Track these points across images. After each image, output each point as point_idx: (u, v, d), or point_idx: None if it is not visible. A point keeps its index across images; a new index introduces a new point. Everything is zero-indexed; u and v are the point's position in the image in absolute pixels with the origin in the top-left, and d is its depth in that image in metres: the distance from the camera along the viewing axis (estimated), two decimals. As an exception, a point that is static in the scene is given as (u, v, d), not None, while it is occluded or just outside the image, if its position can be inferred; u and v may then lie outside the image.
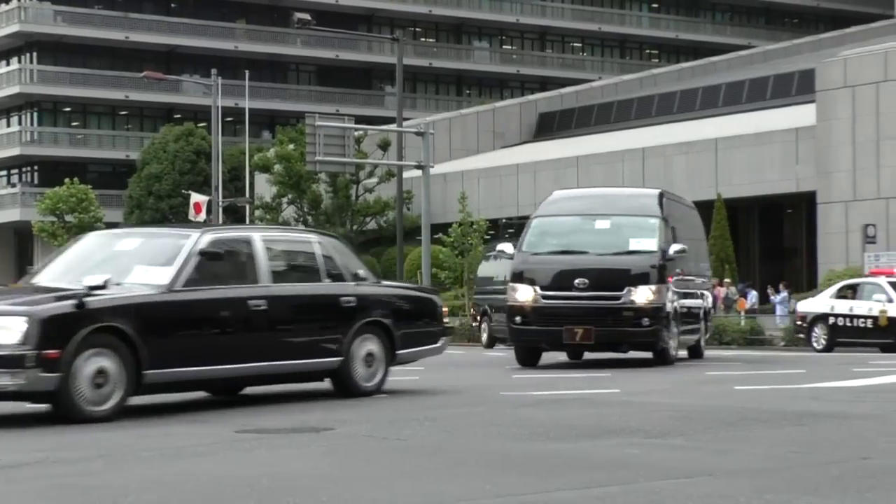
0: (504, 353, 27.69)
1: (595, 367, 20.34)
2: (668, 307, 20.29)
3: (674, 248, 20.58)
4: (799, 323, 33.15)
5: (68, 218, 68.19)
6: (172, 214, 71.64)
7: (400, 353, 14.40)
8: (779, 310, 43.34)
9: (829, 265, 46.53)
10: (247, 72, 71.91)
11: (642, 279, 20.00)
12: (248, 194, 64.96)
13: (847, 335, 31.28)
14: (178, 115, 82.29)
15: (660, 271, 20.17)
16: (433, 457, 8.73)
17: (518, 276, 20.95)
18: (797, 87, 58.38)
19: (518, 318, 20.71)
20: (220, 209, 55.49)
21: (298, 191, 59.73)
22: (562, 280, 20.32)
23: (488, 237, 51.14)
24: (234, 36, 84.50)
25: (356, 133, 48.48)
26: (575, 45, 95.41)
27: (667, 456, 8.56)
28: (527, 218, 23.28)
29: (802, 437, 9.54)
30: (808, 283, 49.58)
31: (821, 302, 32.58)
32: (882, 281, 31.30)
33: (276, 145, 62.63)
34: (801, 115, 51.58)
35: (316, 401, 13.39)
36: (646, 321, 19.89)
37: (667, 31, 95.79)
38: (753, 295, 44.25)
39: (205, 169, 68.92)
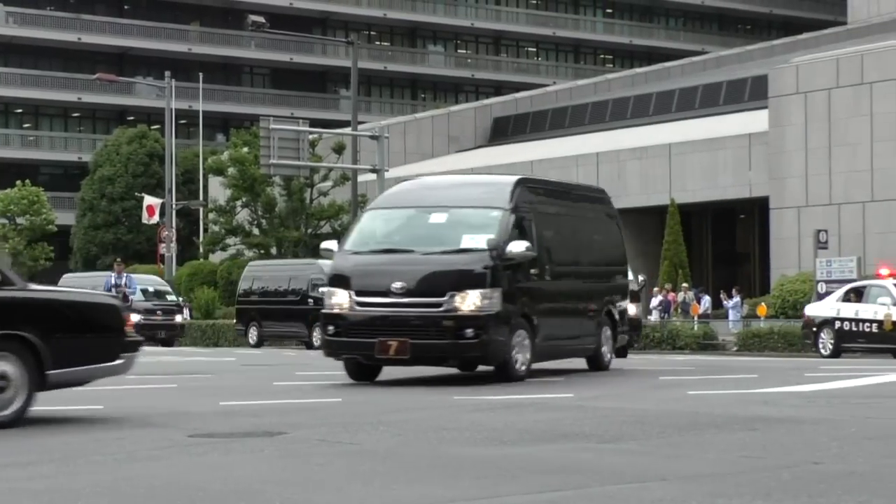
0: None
1: (548, 374, 20.37)
2: (509, 314, 16.69)
3: (515, 246, 16.75)
4: (806, 328, 31.87)
5: (20, 220, 67.72)
6: (125, 217, 71.29)
7: (52, 374, 11.54)
8: (731, 315, 43.56)
9: (781, 270, 46.83)
10: (200, 74, 71.70)
11: (470, 282, 16.47)
12: (201, 197, 64.70)
13: (853, 340, 30.19)
14: (132, 118, 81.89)
15: (494, 273, 16.56)
16: (387, 461, 8.71)
17: (334, 279, 17.54)
18: (750, 93, 58.72)
19: (331, 328, 17.21)
20: (174, 212, 55.23)
21: (252, 194, 59.47)
22: (378, 283, 16.75)
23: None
24: (188, 38, 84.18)
25: (311, 136, 48.37)
26: (529, 49, 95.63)
27: (620, 460, 8.58)
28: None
29: (755, 441, 9.58)
30: (760, 289, 49.90)
31: (827, 306, 31.29)
32: (888, 283, 30.20)
33: (230, 148, 62.36)
34: (753, 121, 51.87)
35: (269, 404, 13.34)
36: (470, 332, 16.32)
37: (621, 36, 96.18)
38: (707, 300, 44.46)
39: (158, 172, 68.59)
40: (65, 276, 50.36)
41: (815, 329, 31.07)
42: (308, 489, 7.47)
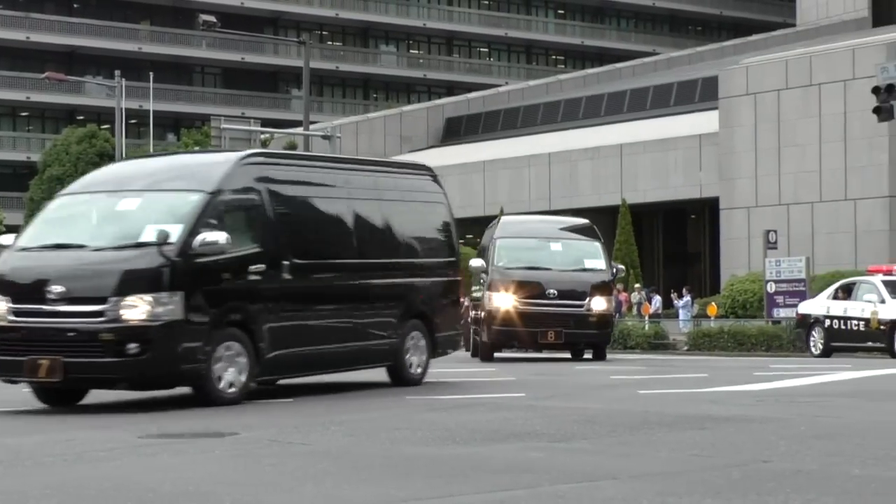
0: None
1: (497, 374, 20.40)
2: (201, 323, 13.28)
3: (203, 237, 13.28)
4: (799, 327, 31.12)
5: (-32, 219, 67.15)
6: (75, 217, 70.82)
7: None
8: (682, 314, 43.78)
9: (731, 270, 47.10)
10: (151, 73, 71.29)
11: (137, 286, 13.00)
12: (152, 197, 64.33)
13: (842, 339, 29.21)
14: (81, 117, 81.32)
15: (174, 272, 13.08)
16: (338, 461, 8.70)
17: None
18: (700, 93, 59.03)
19: None
20: (124, 212, 54.80)
21: (203, 194, 59.35)
22: (35, 288, 13.38)
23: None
24: (138, 37, 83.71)
25: (262, 136, 48.26)
26: (482, 50, 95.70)
27: (571, 459, 8.60)
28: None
29: (704, 440, 9.63)
30: (710, 288, 50.17)
31: (818, 304, 30.32)
32: (876, 280, 29.20)
33: (181, 148, 62.15)
34: (704, 122, 52.15)
35: (223, 406, 13.29)
36: (133, 347, 12.83)
37: (572, 37, 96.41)
38: (657, 300, 44.66)
39: (108, 171, 68.07)
40: None
41: (806, 328, 30.34)
42: (259, 490, 7.45)
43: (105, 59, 79.82)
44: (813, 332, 29.92)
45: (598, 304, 25.58)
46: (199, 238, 13.25)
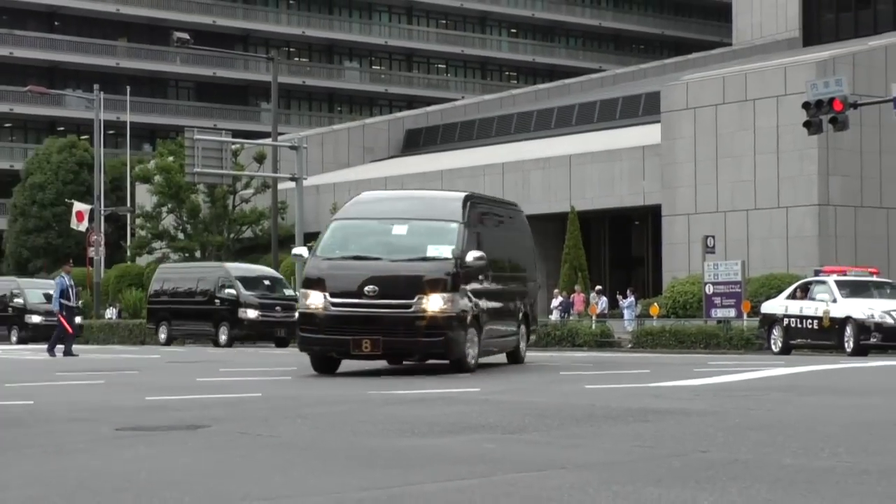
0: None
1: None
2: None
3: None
4: (761, 326, 30.90)
5: (-47, 225, 66.61)
6: (56, 222, 70.42)
7: None
8: (626, 314, 43.88)
9: (672, 273, 47.29)
10: (128, 87, 70.99)
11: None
12: (129, 204, 64.07)
13: (799, 336, 29.06)
14: (62, 128, 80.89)
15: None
16: (304, 453, 8.68)
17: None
18: (644, 108, 59.25)
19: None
20: (102, 218, 54.63)
21: (178, 201, 59.07)
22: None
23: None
24: (116, 53, 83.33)
25: (233, 146, 48.12)
26: (440, 66, 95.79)
27: (522, 450, 8.61)
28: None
29: (647, 432, 9.65)
30: (653, 290, 50.35)
31: (777, 303, 30.24)
32: (830, 280, 29.05)
33: (157, 157, 61.90)
34: (647, 134, 52.33)
35: (193, 399, 13.24)
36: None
37: (525, 54, 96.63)
38: (604, 300, 44.75)
39: (87, 179, 67.82)
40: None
41: (766, 327, 30.20)
42: (229, 480, 7.43)
43: (84, 74, 79.41)
44: (773, 331, 29.72)
45: (433, 303, 17.85)
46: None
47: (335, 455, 8.53)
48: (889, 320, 26.98)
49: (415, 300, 17.57)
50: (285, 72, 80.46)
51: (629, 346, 35.80)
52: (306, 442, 9.33)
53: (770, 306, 30.52)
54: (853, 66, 45.90)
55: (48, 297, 41.56)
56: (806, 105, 33.57)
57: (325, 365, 18.71)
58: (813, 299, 28.70)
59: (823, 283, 29.07)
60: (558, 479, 7.13)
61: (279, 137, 51.60)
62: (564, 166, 54.19)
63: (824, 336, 28.18)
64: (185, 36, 45.49)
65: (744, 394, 13.54)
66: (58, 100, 77.96)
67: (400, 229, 18.45)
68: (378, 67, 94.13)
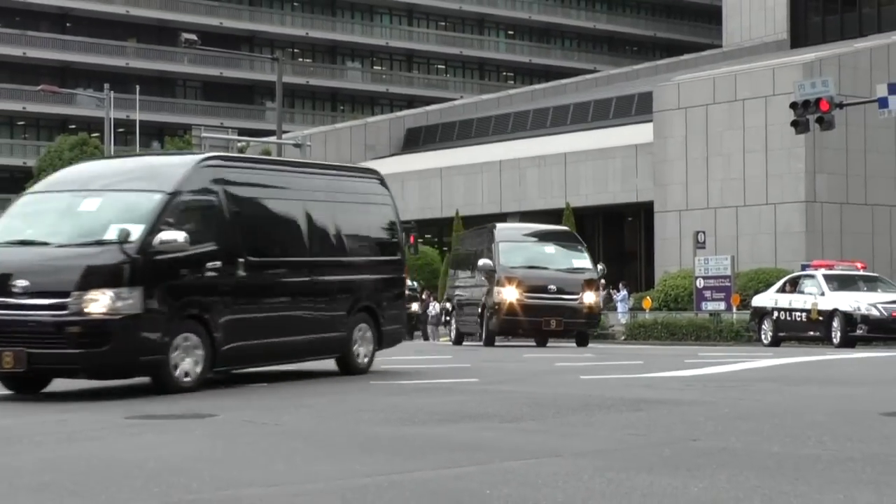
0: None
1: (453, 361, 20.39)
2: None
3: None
4: (752, 319, 30.80)
5: (-32, 220, 66.68)
6: (67, 217, 70.43)
7: None
8: (620, 307, 43.89)
9: (664, 267, 47.31)
10: (137, 86, 70.86)
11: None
12: (138, 199, 63.99)
13: (788, 329, 28.91)
14: (73, 126, 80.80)
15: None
16: (308, 440, 8.69)
17: None
18: (637, 107, 59.23)
19: None
20: (112, 213, 54.55)
21: (185, 197, 59.01)
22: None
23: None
24: (126, 53, 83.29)
25: (239, 144, 48.09)
26: (439, 66, 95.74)
27: (519, 439, 8.62)
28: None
29: (639, 421, 9.66)
30: (645, 284, 50.35)
31: (768, 296, 30.14)
32: (818, 273, 28.88)
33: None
34: (640, 133, 52.33)
35: (202, 390, 13.24)
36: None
37: (521, 55, 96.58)
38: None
39: (98, 176, 67.70)
40: None
41: (757, 320, 30.04)
42: (235, 466, 7.43)
43: (95, 74, 79.34)
44: (763, 323, 29.57)
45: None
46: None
47: (337, 443, 8.53)
48: (875, 312, 26.96)
49: (71, 298, 12.43)
50: (289, 72, 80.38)
51: (623, 338, 35.81)
52: (309, 430, 9.33)
53: (760, 300, 30.40)
54: (839, 68, 45.90)
55: None
56: (793, 105, 33.58)
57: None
58: (802, 293, 28.59)
59: (812, 276, 28.96)
60: (554, 467, 7.14)
61: (284, 135, 51.60)
62: (560, 164, 54.18)
63: (813, 328, 28.06)
64: (193, 37, 45.46)
65: (733, 384, 13.54)
66: (69, 99, 77.88)
67: (91, 203, 13.58)
68: (379, 68, 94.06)
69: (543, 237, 30.03)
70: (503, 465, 7.24)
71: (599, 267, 28.87)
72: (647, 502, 5.97)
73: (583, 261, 28.25)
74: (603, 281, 39.91)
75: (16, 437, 9.09)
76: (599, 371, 16.42)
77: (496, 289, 27.32)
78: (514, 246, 28.38)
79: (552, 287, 27.16)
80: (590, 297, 27.37)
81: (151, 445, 8.50)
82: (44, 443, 8.72)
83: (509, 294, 27.11)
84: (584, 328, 27.85)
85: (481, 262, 27.92)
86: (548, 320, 26.87)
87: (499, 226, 30.08)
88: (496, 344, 28.44)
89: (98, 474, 7.13)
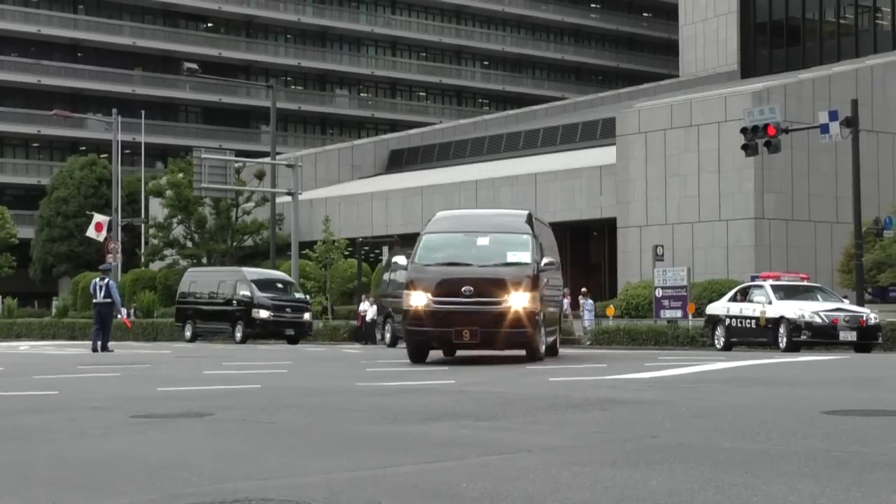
0: (360, 350, 27.45)
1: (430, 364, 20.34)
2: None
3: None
4: (706, 326, 30.66)
5: (-14, 235, 66.37)
6: (78, 232, 70.21)
7: None
8: (587, 314, 43.94)
9: (626, 278, 47.41)
10: (143, 111, 70.84)
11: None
12: (143, 215, 63.86)
13: (739, 335, 28.85)
14: (83, 148, 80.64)
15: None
16: (299, 437, 8.67)
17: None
18: (601, 132, 59.44)
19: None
20: (119, 228, 54.46)
21: (187, 213, 58.91)
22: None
23: (347, 253, 51.05)
24: (132, 81, 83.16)
25: (236, 165, 48.03)
26: (420, 94, 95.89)
27: (493, 436, 8.61)
28: (383, 237, 23.01)
29: (604, 419, 9.66)
30: (609, 293, 50.45)
31: (720, 305, 30.06)
32: (766, 284, 28.96)
33: (168, 174, 61.71)
34: (604, 155, 52.48)
35: (200, 390, 13.20)
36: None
37: (496, 84, 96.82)
38: (566, 302, 44.72)
39: (106, 194, 67.59)
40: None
41: (710, 326, 29.99)
42: (233, 461, 7.41)
43: (104, 99, 79.20)
44: (717, 330, 29.55)
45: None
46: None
47: (326, 440, 8.51)
48: (817, 319, 27.05)
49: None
50: (283, 98, 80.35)
51: (588, 343, 35.81)
52: (301, 428, 9.31)
53: (714, 308, 30.44)
54: (785, 96, 46.12)
55: (271, 289, 39.87)
56: (744, 130, 33.74)
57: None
58: (751, 301, 28.61)
59: (760, 287, 29.00)
60: (525, 461, 7.14)
61: (277, 157, 51.59)
62: (531, 183, 54.27)
63: (761, 334, 28.10)
64: (194, 66, 45.47)
65: (689, 385, 13.56)
66: (80, 123, 77.72)
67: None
68: (365, 95, 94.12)
69: (481, 225, 20.50)
70: (478, 460, 7.24)
71: (547, 260, 19.98)
72: (610, 493, 5.98)
73: (521, 253, 19.67)
74: (566, 289, 39.46)
75: (29, 435, 9.05)
76: (567, 373, 16.42)
77: (405, 292, 19.56)
78: (439, 238, 20.03)
79: (467, 289, 18.96)
80: (519, 300, 18.95)
81: (154, 442, 8.47)
82: (55, 440, 8.68)
83: (417, 299, 19.12)
84: (511, 339, 19.32)
85: (395, 258, 24.44)
86: (459, 331, 19.00)
87: (438, 214, 21.67)
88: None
89: (105, 469, 7.10)
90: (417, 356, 19.70)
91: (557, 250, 23.66)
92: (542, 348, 19.69)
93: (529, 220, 20.43)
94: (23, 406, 11.81)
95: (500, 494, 5.99)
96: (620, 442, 8.07)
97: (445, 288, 19.02)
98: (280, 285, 40.89)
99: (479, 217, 21.56)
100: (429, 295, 19.01)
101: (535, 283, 18.91)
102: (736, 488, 6.07)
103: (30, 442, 8.60)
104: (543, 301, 19.59)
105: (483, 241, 19.41)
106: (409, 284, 19.29)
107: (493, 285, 18.80)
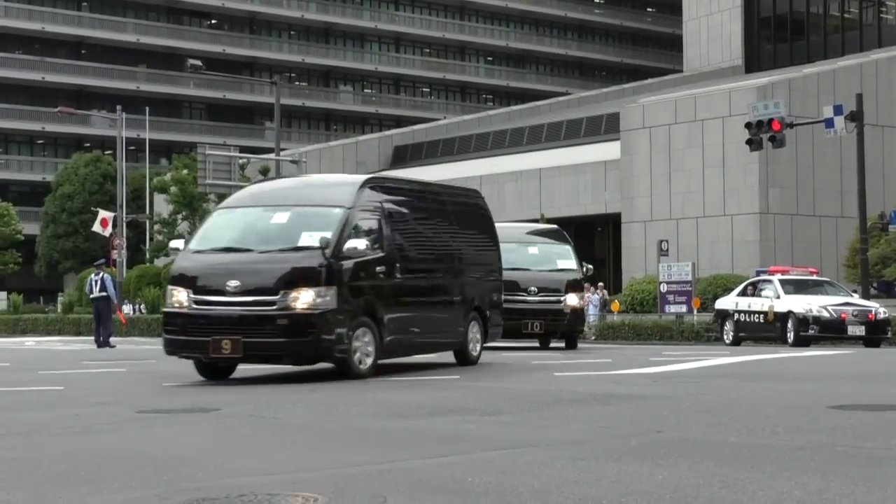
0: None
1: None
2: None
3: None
4: (715, 321, 30.37)
5: (-7, 230, 66.47)
6: (83, 228, 70.27)
7: None
8: (591, 309, 43.91)
9: (631, 273, 47.39)
10: (147, 108, 70.83)
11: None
12: (148, 211, 63.90)
13: (747, 330, 28.57)
14: (88, 144, 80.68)
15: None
16: (303, 432, 8.67)
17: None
18: (605, 127, 59.39)
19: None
20: (124, 224, 54.47)
21: (191, 209, 58.90)
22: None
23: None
24: (137, 78, 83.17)
25: (240, 161, 48.04)
26: (424, 90, 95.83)
27: (498, 431, 8.60)
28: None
29: (609, 414, 9.65)
30: (613, 288, 50.44)
31: (729, 299, 29.74)
32: (774, 278, 28.67)
33: (173, 170, 61.69)
34: (608, 151, 52.43)
35: (205, 385, 13.21)
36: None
37: (500, 79, 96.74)
38: (596, 297, 44.65)
39: (111, 190, 67.66)
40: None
41: (719, 321, 29.74)
42: (237, 456, 7.41)
43: (108, 96, 79.23)
44: (726, 325, 29.34)
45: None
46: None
47: (330, 435, 8.51)
48: (825, 314, 26.97)
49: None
50: (287, 95, 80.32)
51: (593, 338, 35.81)
52: (305, 423, 9.31)
53: (723, 302, 30.23)
54: (789, 91, 46.05)
55: None
56: (748, 125, 33.70)
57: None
58: (760, 296, 28.42)
59: (769, 281, 28.81)
60: (530, 456, 7.13)
61: (281, 153, 51.53)
62: (535, 179, 54.25)
63: (769, 329, 27.89)
64: (198, 63, 45.42)
65: (694, 380, 13.55)
66: (84, 119, 77.75)
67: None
68: (369, 91, 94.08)
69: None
70: (484, 454, 7.23)
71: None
72: (615, 488, 5.97)
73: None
74: (600, 283, 38.90)
75: (36, 430, 9.05)
76: (572, 368, 16.41)
77: (168, 288, 14.26)
78: (231, 214, 15.12)
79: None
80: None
81: (160, 437, 8.48)
82: (61, 435, 8.69)
83: (177, 297, 14.39)
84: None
85: (171, 243, 16.88)
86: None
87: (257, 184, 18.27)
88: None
89: (111, 464, 7.11)
90: (203, 371, 14.48)
91: (489, 231, 18.27)
92: (360, 361, 14.04)
93: (364, 186, 14.91)
94: (29, 401, 11.82)
95: (505, 489, 5.98)
96: (625, 437, 8.06)
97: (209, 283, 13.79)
98: None
99: (292, 188, 15.92)
100: (190, 292, 13.80)
101: (330, 274, 13.49)
102: (741, 483, 6.06)
103: (36, 437, 8.61)
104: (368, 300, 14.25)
105: (280, 217, 14.30)
106: (172, 278, 14.30)
107: (270, 277, 13.46)
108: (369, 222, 14.59)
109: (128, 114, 58.22)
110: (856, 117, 33.29)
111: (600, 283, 44.92)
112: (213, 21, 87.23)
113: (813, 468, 6.51)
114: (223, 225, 14.72)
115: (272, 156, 50.19)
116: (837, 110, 33.57)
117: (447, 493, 5.92)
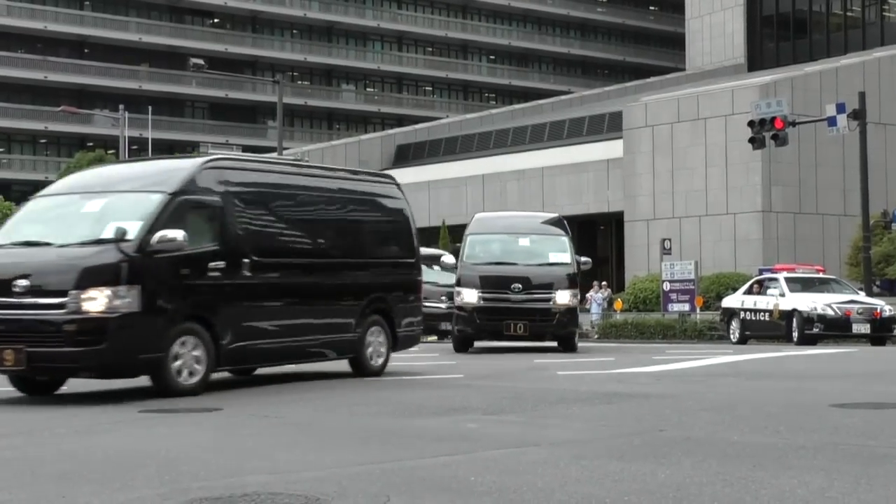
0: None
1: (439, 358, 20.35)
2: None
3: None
4: (721, 319, 30.23)
5: (-6, 230, 66.60)
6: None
7: None
8: (594, 307, 43.90)
9: (633, 272, 47.35)
10: (150, 107, 70.82)
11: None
12: (150, 211, 63.88)
13: (754, 328, 28.39)
14: (91, 144, 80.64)
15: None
16: (306, 432, 8.67)
17: None
18: (608, 125, 59.32)
19: None
20: (127, 223, 54.44)
21: (194, 208, 58.96)
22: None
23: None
24: (139, 77, 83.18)
25: (243, 160, 47.99)
26: (427, 88, 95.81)
27: (501, 430, 8.60)
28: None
29: (611, 413, 9.65)
30: (616, 287, 50.40)
31: (736, 298, 29.57)
32: (780, 277, 28.46)
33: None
34: (611, 149, 52.39)
35: (208, 386, 13.20)
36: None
37: (502, 78, 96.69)
38: (600, 296, 44.65)
39: (113, 189, 67.61)
40: None
41: (725, 320, 29.59)
42: (240, 456, 7.41)
43: (111, 95, 79.24)
44: (732, 323, 29.23)
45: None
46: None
47: (333, 434, 8.51)
48: (830, 312, 26.90)
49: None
50: (289, 94, 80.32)
51: (595, 336, 35.80)
52: (308, 422, 9.31)
53: (729, 301, 30.12)
54: (792, 89, 46.02)
55: None
56: (751, 123, 33.67)
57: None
58: (766, 294, 28.34)
59: (775, 279, 28.70)
60: (533, 455, 7.13)
61: (284, 152, 51.52)
62: (538, 177, 54.22)
63: (775, 327, 27.81)
64: (201, 62, 45.42)
65: (697, 379, 13.55)
66: (87, 119, 77.76)
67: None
68: (372, 90, 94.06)
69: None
70: (486, 454, 7.23)
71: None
72: (618, 487, 5.97)
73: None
74: (604, 282, 38.99)
75: (39, 429, 9.06)
76: (575, 367, 16.41)
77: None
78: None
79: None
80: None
81: (163, 437, 8.48)
82: (64, 435, 8.70)
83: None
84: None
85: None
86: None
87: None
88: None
89: (114, 463, 7.11)
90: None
91: (401, 222, 16.09)
92: (185, 374, 11.95)
93: (203, 168, 12.93)
94: (31, 401, 11.82)
95: (508, 488, 5.98)
96: (628, 436, 8.06)
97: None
98: None
99: (118, 172, 13.90)
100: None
101: (133, 272, 11.46)
102: (744, 482, 6.06)
103: (36, 437, 8.62)
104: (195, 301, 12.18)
105: (93, 206, 12.40)
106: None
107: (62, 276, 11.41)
108: (203, 210, 12.55)
109: (130, 113, 58.26)
110: (858, 115, 33.26)
111: (604, 283, 44.91)
112: (215, 20, 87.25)
113: (816, 466, 6.51)
114: (33, 216, 12.91)
115: (274, 155, 50.21)
116: (840, 108, 33.54)
117: (450, 492, 5.92)
